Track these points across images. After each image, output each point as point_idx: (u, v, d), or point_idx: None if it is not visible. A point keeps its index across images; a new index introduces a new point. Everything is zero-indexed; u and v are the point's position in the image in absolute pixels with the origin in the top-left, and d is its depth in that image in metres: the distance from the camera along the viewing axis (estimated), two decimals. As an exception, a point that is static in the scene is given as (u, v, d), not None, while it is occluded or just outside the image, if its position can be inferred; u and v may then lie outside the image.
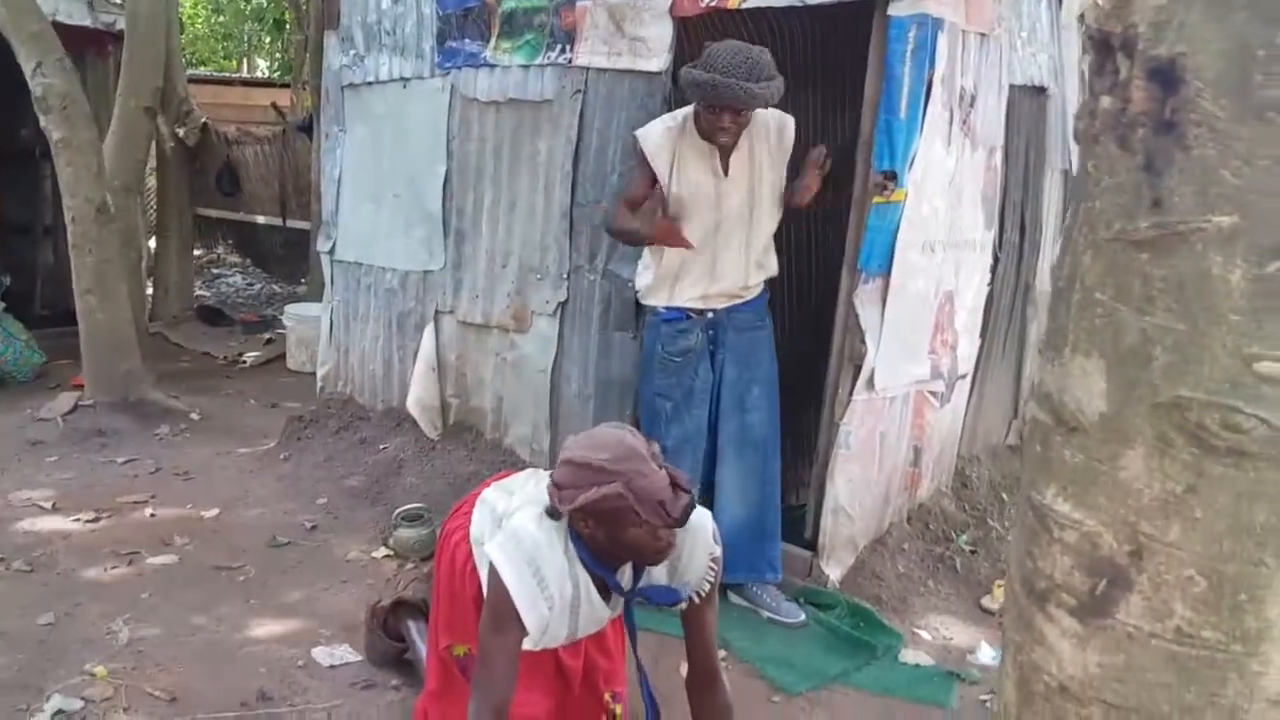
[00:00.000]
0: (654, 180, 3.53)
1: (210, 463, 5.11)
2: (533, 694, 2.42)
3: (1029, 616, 1.15)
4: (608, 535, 2.11)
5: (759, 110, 3.44)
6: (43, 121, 5.60)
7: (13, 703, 2.89)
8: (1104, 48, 0.98)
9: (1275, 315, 0.90)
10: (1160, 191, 0.93)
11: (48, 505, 4.41)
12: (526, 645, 2.21)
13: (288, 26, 14.88)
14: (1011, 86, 4.07)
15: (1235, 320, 0.91)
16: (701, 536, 2.29)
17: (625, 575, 2.26)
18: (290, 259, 10.41)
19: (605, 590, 2.27)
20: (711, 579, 2.30)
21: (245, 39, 20.49)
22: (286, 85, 13.80)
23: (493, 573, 2.18)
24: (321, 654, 3.23)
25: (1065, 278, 1.06)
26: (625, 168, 3.91)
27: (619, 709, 2.66)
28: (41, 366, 6.61)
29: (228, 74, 18.30)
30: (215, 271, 12.04)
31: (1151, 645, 1.05)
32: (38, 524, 4.22)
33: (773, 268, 3.67)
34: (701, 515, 2.29)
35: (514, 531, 2.22)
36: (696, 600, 2.31)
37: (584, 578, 2.23)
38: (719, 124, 3.35)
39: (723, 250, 3.56)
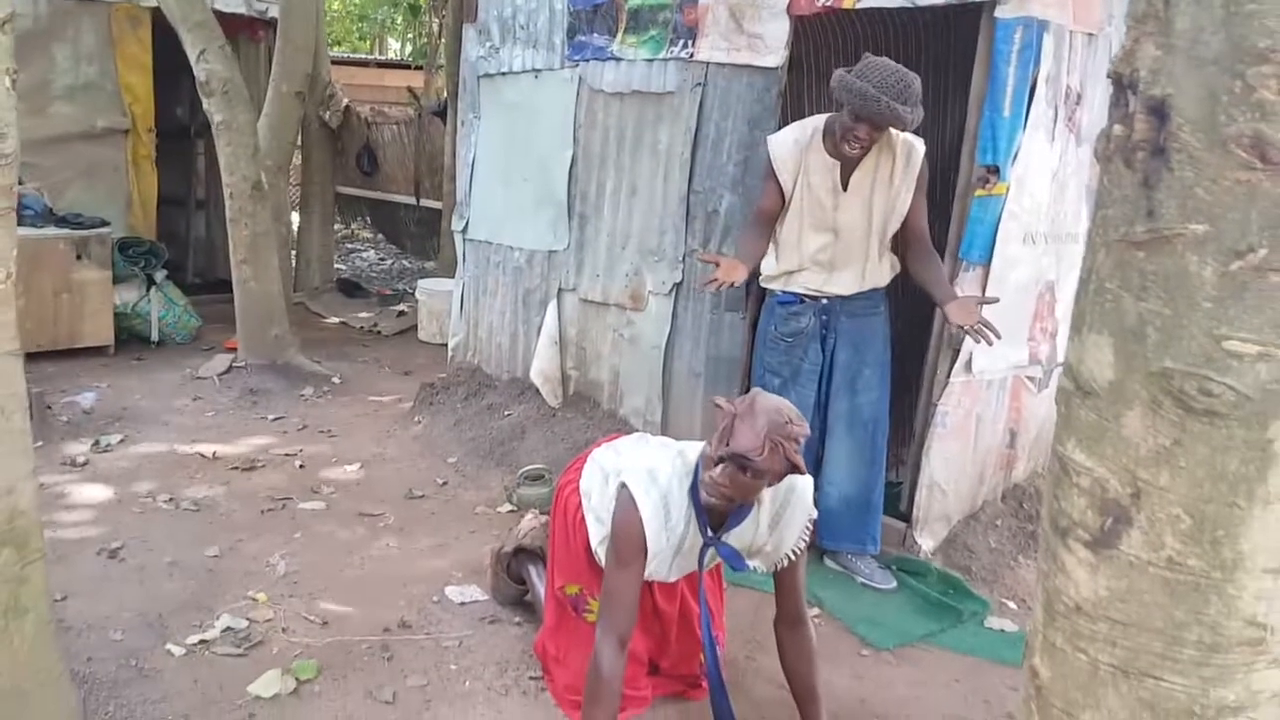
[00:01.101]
0: (782, 192, 3.71)
1: (351, 422, 5.57)
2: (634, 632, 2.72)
3: (1054, 548, 1.39)
4: (712, 453, 2.38)
5: (892, 134, 3.59)
6: (205, 104, 6.10)
7: (189, 619, 3.32)
8: (1118, 85, 1.22)
9: (1238, 304, 1.13)
10: (1153, 203, 1.17)
11: (209, 454, 4.90)
12: (646, 574, 2.54)
13: (423, 10, 15.44)
14: (1120, 83, 4.17)
15: (1207, 307, 1.15)
16: (803, 500, 2.58)
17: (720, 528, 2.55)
18: (422, 236, 10.93)
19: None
20: (806, 539, 2.60)
21: (380, 21, 21.23)
22: (419, 68, 14.37)
23: (624, 504, 2.49)
24: (453, 592, 3.60)
25: (1085, 270, 1.30)
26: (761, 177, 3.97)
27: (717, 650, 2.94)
28: (197, 330, 7.17)
29: (363, 56, 19.03)
30: (349, 246, 12.67)
31: (1149, 572, 1.28)
32: (202, 470, 4.70)
33: (886, 278, 3.81)
34: (804, 482, 2.58)
35: (651, 469, 2.54)
36: (794, 557, 2.62)
37: (694, 522, 2.53)
38: (854, 133, 3.47)
39: (840, 260, 3.73)
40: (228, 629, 3.27)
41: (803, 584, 2.69)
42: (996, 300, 3.63)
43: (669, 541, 2.52)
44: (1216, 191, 1.13)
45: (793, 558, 2.61)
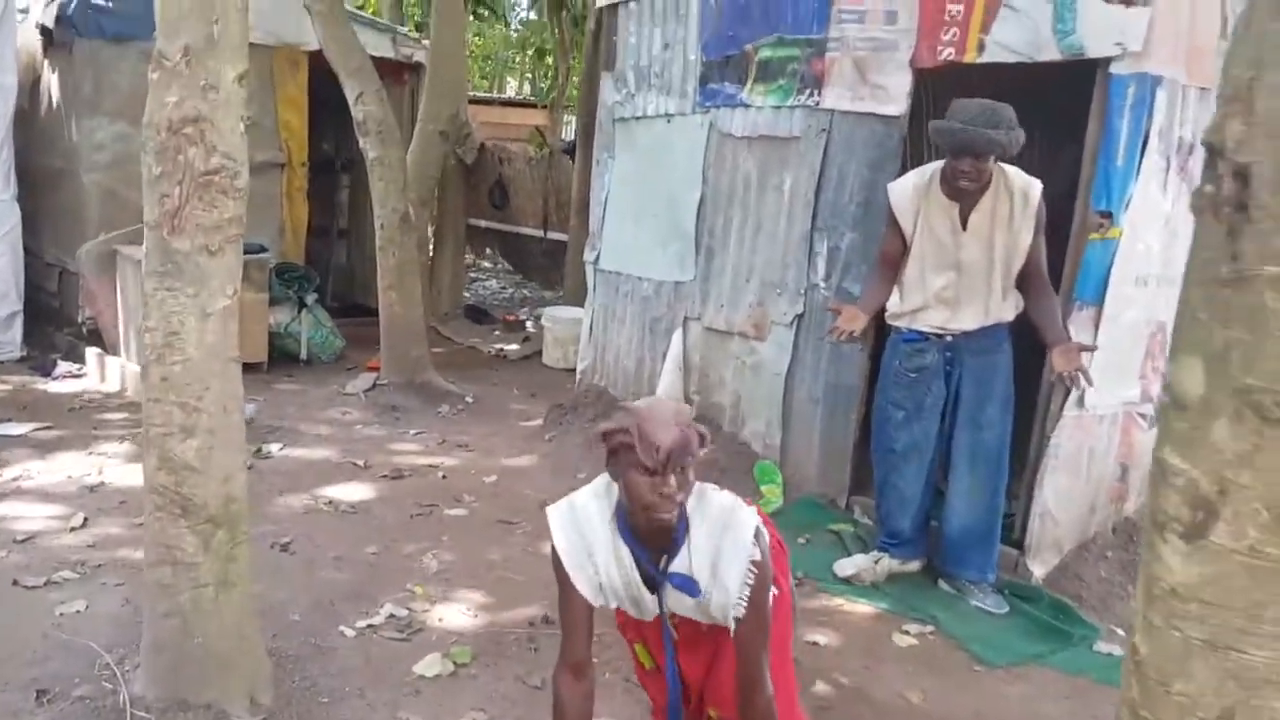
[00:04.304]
0: (903, 237, 3.94)
1: (485, 438, 5.95)
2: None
3: (1152, 540, 1.63)
4: (622, 482, 2.18)
5: (1010, 175, 3.79)
6: (362, 143, 6.60)
7: (356, 606, 3.70)
8: (1210, 151, 1.48)
9: (1307, 332, 1.37)
10: (1236, 250, 1.41)
11: (361, 463, 5.33)
12: (598, 603, 2.37)
13: (550, 55, 16.07)
14: (1234, 134, 4.31)
15: (1280, 335, 1.39)
16: (740, 540, 2.23)
17: (662, 562, 2.30)
18: (548, 266, 11.40)
19: (650, 581, 2.33)
20: (751, 583, 2.22)
21: (502, 61, 22.05)
22: (543, 107, 14.95)
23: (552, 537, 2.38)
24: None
25: (1181, 303, 1.56)
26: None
27: None
28: (341, 350, 7.69)
29: (487, 95, 19.81)
30: (472, 275, 13.22)
31: (1233, 559, 1.49)
32: (355, 477, 5.13)
33: (1010, 314, 3.94)
34: (743, 517, 2.27)
35: (571, 501, 2.38)
36: (742, 610, 2.23)
37: (628, 557, 2.30)
38: (960, 169, 3.69)
39: (964, 296, 3.90)
40: (391, 616, 3.64)
41: (757, 646, 2.28)
42: (1095, 349, 3.81)
43: (604, 577, 2.32)
44: (1290, 241, 1.37)
45: (740, 611, 2.23)
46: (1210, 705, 1.57)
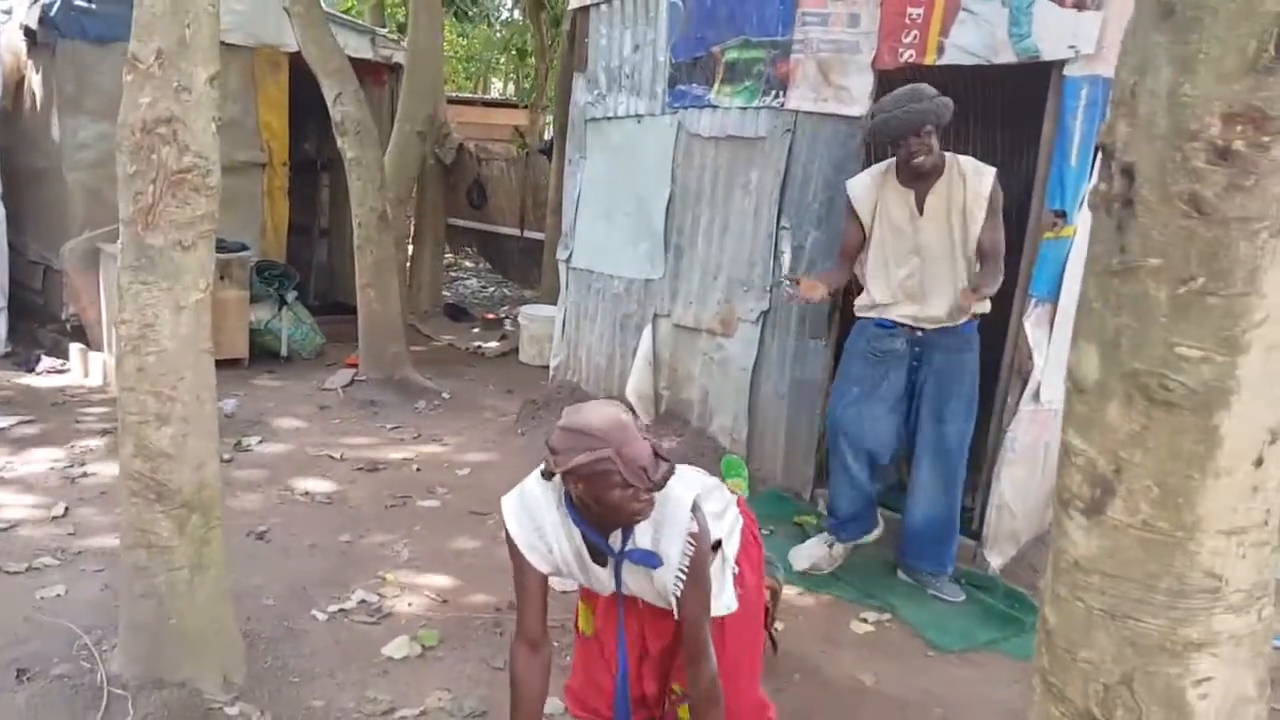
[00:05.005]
0: (862, 228, 4.04)
1: (460, 433, 6.05)
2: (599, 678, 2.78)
3: (1059, 517, 1.74)
4: (594, 496, 2.24)
5: (962, 162, 3.89)
6: (340, 142, 6.69)
7: (329, 592, 3.80)
8: (1104, 152, 1.60)
9: (1185, 318, 1.48)
10: (1124, 242, 1.53)
11: (337, 456, 5.43)
12: (553, 575, 2.50)
13: (530, 54, 16.17)
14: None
15: (1163, 321, 1.49)
16: (680, 511, 2.36)
17: (615, 539, 2.40)
18: (526, 265, 11.50)
19: (598, 556, 2.46)
20: (691, 554, 2.35)
21: (486, 62, 22.12)
22: (525, 107, 15.04)
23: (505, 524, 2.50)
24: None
25: (1080, 293, 1.67)
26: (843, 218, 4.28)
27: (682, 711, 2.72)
28: (321, 346, 7.78)
29: (469, 95, 19.88)
30: (453, 274, 13.31)
31: (1128, 533, 1.61)
32: (331, 469, 5.22)
33: (980, 307, 3.97)
34: (680, 490, 2.37)
35: (521, 488, 2.50)
36: (682, 579, 2.37)
37: (579, 538, 2.43)
38: (908, 149, 3.81)
39: (929, 284, 3.97)
40: (362, 601, 3.74)
41: (699, 612, 2.41)
42: (979, 288, 3.81)
43: (558, 555, 2.46)
44: (1166, 234, 1.48)
45: (681, 578, 2.37)
46: (1111, 671, 1.68)
